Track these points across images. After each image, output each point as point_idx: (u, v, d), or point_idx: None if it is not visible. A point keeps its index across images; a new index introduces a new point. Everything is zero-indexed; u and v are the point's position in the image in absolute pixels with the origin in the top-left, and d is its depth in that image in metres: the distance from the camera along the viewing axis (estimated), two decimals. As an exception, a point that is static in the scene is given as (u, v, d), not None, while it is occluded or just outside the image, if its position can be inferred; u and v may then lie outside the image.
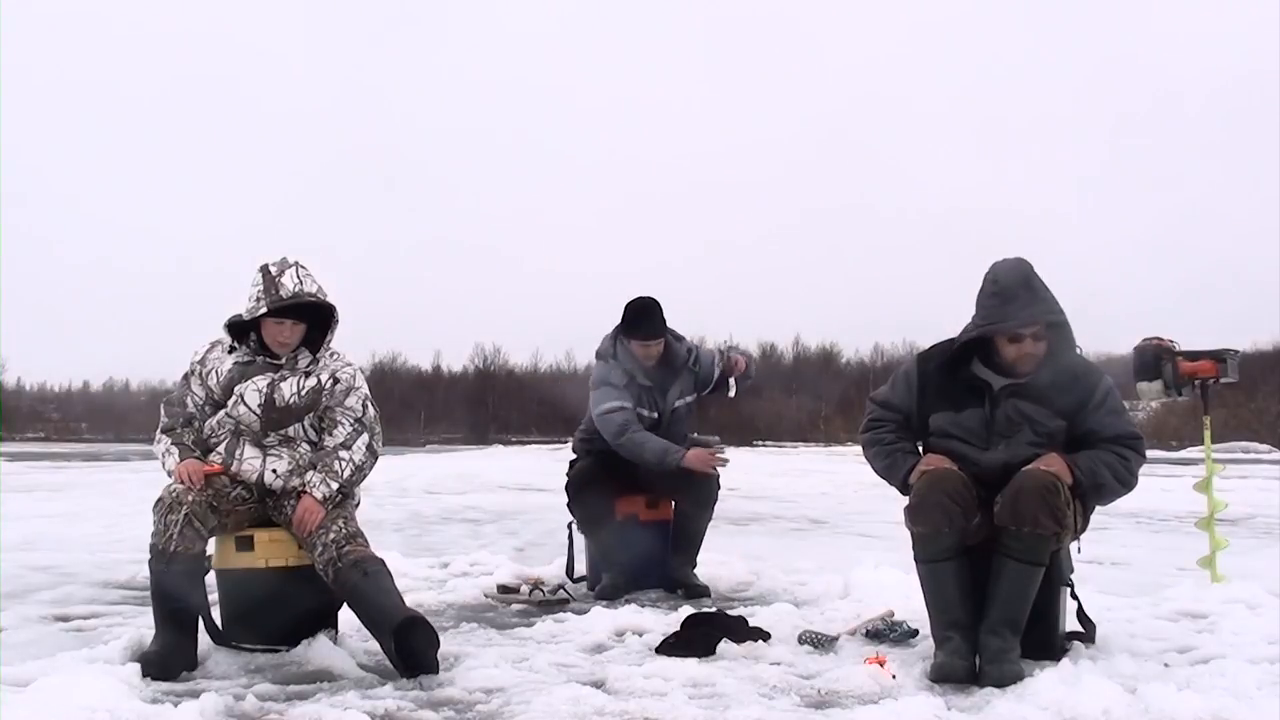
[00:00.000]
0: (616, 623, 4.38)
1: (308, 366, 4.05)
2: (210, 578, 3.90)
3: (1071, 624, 3.99)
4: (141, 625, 4.09)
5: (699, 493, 5.33)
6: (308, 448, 4.03)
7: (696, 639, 3.96)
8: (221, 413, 4.01)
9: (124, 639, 3.86)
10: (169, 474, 3.90)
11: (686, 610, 4.45)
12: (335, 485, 3.94)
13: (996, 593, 3.62)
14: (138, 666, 3.52)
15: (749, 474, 13.54)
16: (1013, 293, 3.69)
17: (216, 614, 3.92)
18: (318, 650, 3.78)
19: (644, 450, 5.22)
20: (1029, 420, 3.76)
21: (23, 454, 28.78)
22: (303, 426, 4.03)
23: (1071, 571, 3.94)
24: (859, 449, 4.08)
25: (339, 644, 3.88)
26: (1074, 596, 3.97)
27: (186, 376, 4.09)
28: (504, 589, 5.34)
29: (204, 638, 3.81)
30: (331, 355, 4.10)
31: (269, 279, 3.92)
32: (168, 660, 3.60)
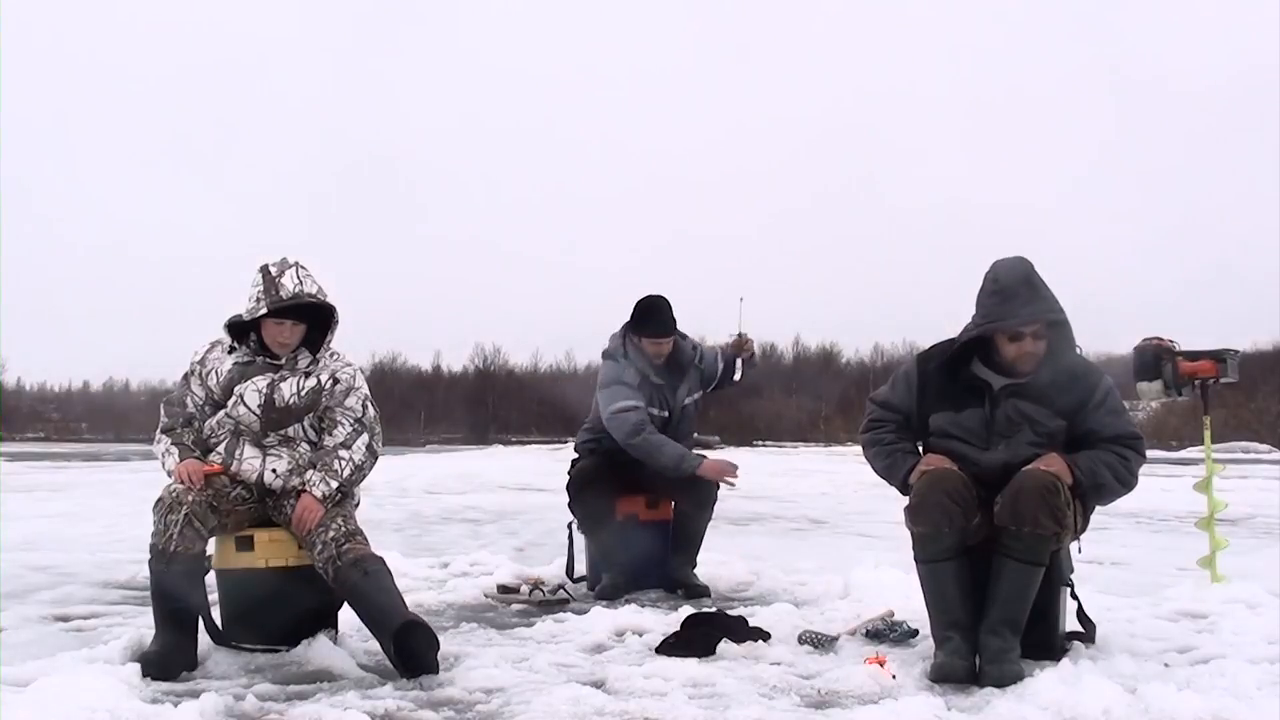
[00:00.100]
0: (616, 623, 4.38)
1: (308, 367, 4.05)
2: (210, 578, 3.90)
3: (1071, 624, 3.99)
4: (141, 625, 4.09)
5: (699, 493, 5.33)
6: (307, 448, 4.04)
7: (696, 639, 3.96)
8: (221, 413, 4.01)
9: (124, 639, 3.86)
10: (169, 474, 3.90)
11: (686, 610, 4.45)
12: (335, 484, 3.94)
13: (996, 593, 3.62)
14: (138, 666, 3.52)
15: (749, 474, 13.51)
16: (1013, 291, 3.69)
17: (216, 614, 3.92)
18: (318, 650, 3.78)
19: (660, 453, 5.21)
20: (1029, 420, 3.76)
21: (23, 454, 28.79)
22: (303, 427, 4.03)
23: (1071, 571, 3.94)
24: (859, 449, 4.08)
25: (339, 644, 3.88)
26: (1074, 596, 3.97)
27: (186, 376, 4.09)
28: (504, 589, 5.34)
29: (204, 638, 3.81)
30: (331, 355, 4.10)
31: (269, 279, 3.92)
32: (168, 660, 3.60)
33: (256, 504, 3.97)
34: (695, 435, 5.67)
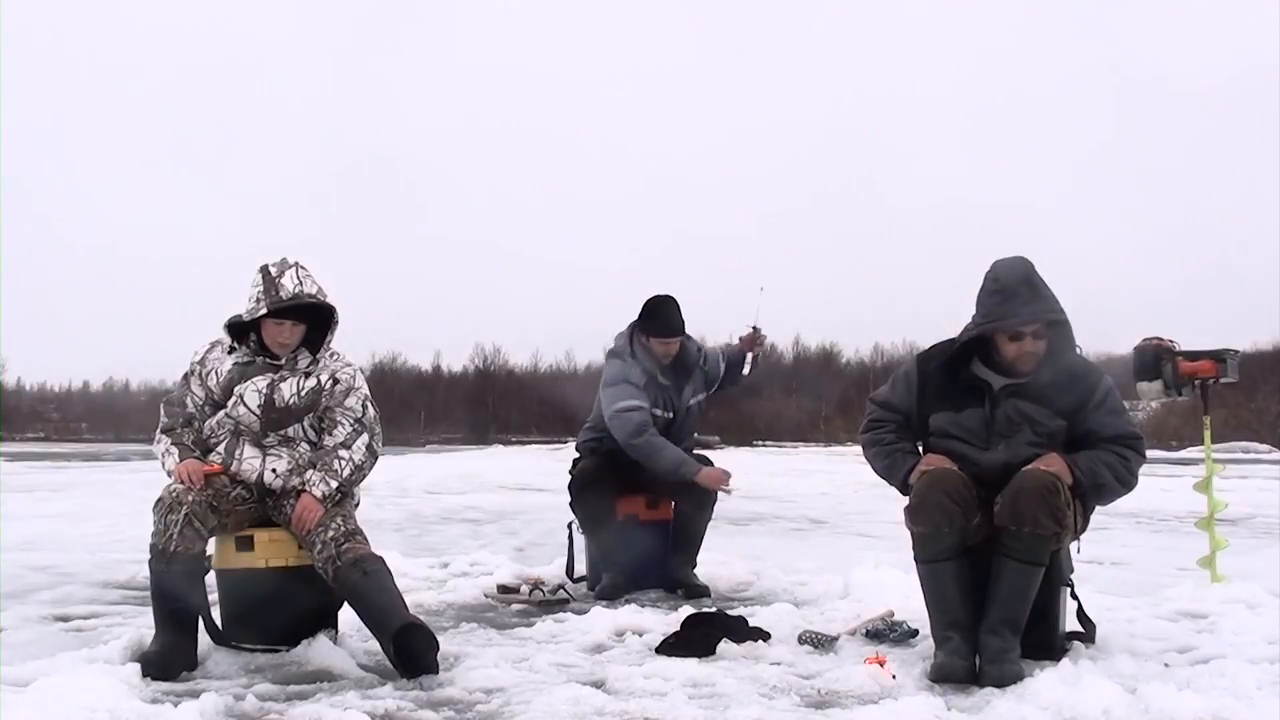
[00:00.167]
0: (616, 623, 4.38)
1: (307, 367, 4.05)
2: (210, 578, 3.90)
3: (1071, 624, 3.99)
4: (141, 625, 4.09)
5: (699, 493, 5.33)
6: (307, 448, 4.04)
7: (696, 639, 3.96)
8: (221, 413, 4.01)
9: (124, 639, 3.86)
10: (169, 474, 3.90)
11: (686, 610, 4.45)
12: (334, 484, 3.94)
13: (996, 593, 3.62)
14: (138, 666, 3.52)
15: (749, 474, 13.53)
16: (1013, 290, 3.69)
17: (216, 614, 3.92)
18: (318, 650, 3.78)
19: (660, 456, 5.21)
20: (1029, 420, 3.76)
21: (23, 454, 28.79)
22: (302, 427, 4.03)
23: (1071, 571, 3.94)
24: (859, 449, 4.08)
25: (339, 644, 3.88)
26: (1074, 596, 3.97)
27: (186, 377, 4.09)
28: (504, 589, 5.34)
29: (204, 638, 3.81)
30: (331, 355, 4.10)
31: (269, 280, 3.92)
32: (168, 660, 3.61)
33: (256, 504, 3.97)
34: (695, 435, 5.67)
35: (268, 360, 4.04)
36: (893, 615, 4.27)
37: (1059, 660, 3.65)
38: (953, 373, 3.85)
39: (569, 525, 5.61)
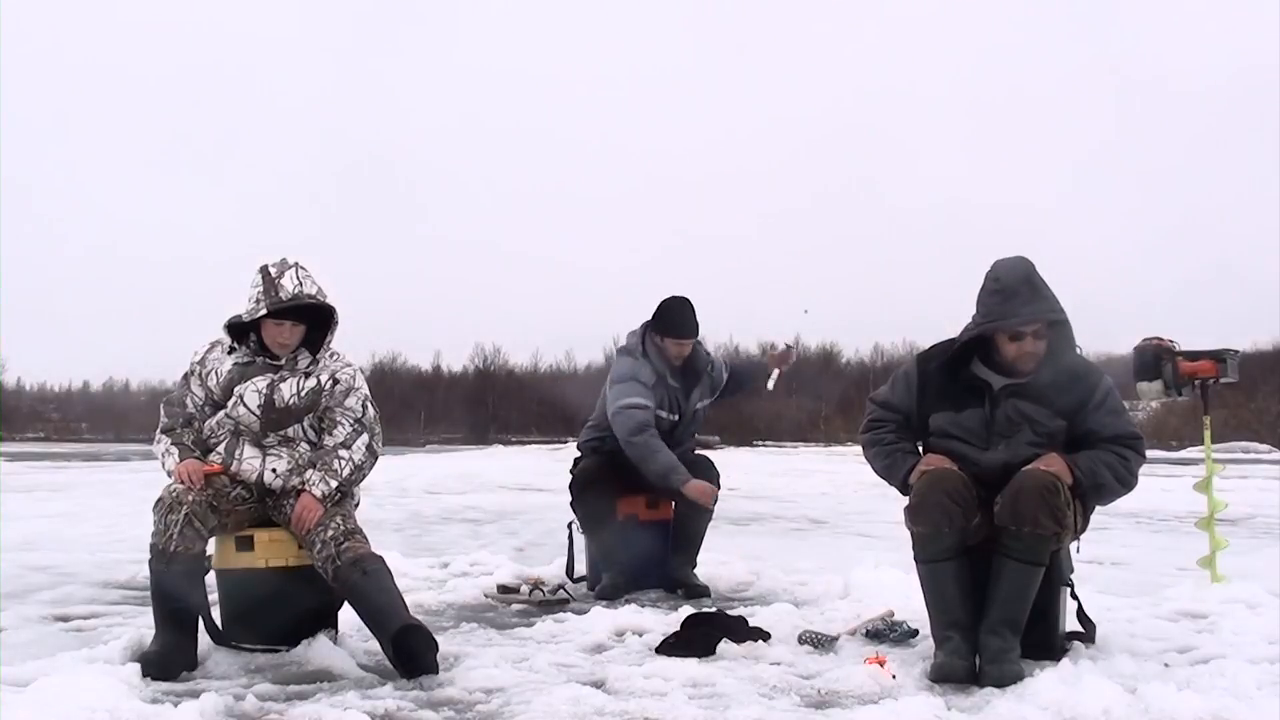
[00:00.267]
0: (616, 623, 4.38)
1: (307, 367, 4.05)
2: (210, 578, 3.90)
3: (1071, 624, 3.99)
4: (141, 625, 4.09)
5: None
6: (307, 448, 4.04)
7: (696, 639, 3.96)
8: (221, 413, 4.01)
9: (124, 639, 3.86)
10: (169, 474, 3.90)
11: (686, 610, 4.45)
12: (334, 483, 3.94)
13: (996, 593, 3.62)
14: (138, 666, 3.52)
15: (749, 474, 13.55)
16: (1014, 290, 3.70)
17: (216, 614, 3.92)
18: (318, 650, 3.78)
19: (654, 458, 5.21)
20: (1029, 420, 3.76)
21: (23, 454, 28.77)
22: (302, 427, 4.03)
23: (1071, 571, 3.95)
24: (859, 449, 4.08)
25: (339, 644, 3.88)
26: (1074, 596, 3.97)
27: (186, 377, 4.09)
28: (504, 589, 5.34)
29: (204, 638, 3.81)
30: (331, 356, 4.10)
31: (269, 280, 3.92)
32: (168, 660, 3.61)
33: (256, 504, 3.97)
34: (697, 436, 5.68)
35: (268, 360, 4.04)
36: (893, 615, 4.27)
37: (1059, 660, 3.65)
38: (953, 373, 3.85)
39: (569, 525, 5.61)
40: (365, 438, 4.07)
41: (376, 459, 4.14)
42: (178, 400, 4.08)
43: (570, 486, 5.51)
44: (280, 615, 3.88)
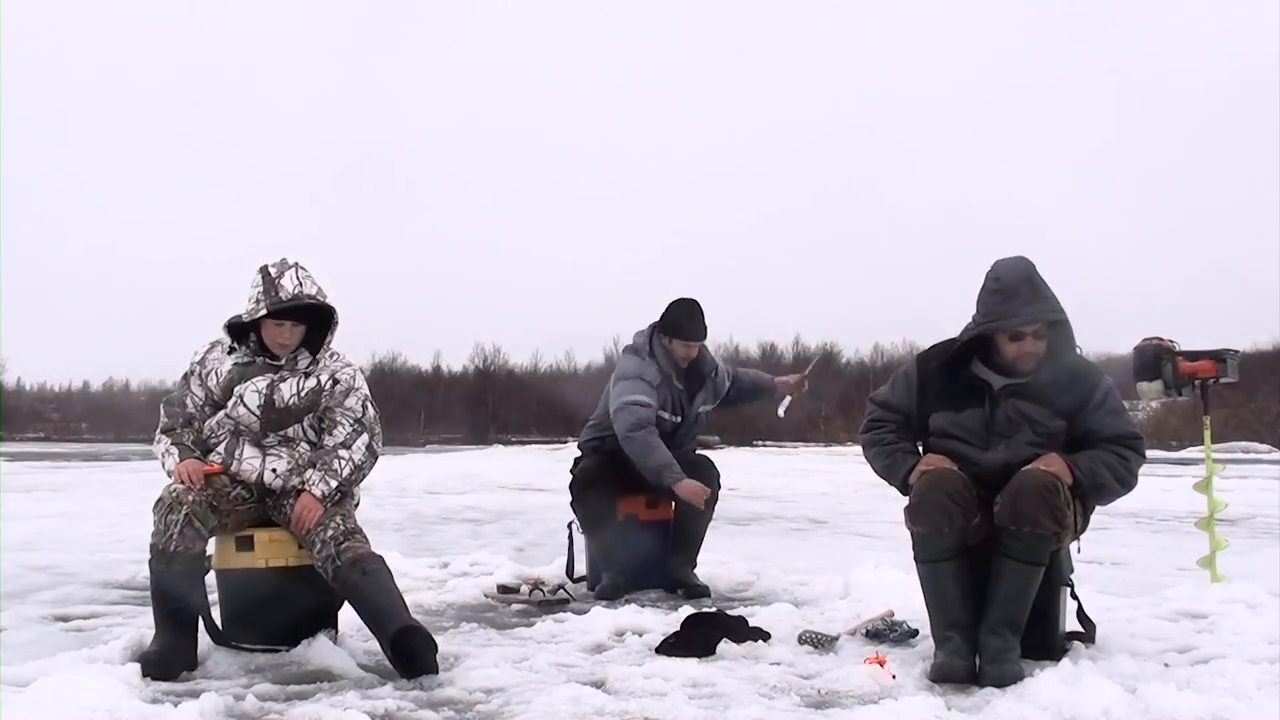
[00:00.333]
0: (616, 623, 4.38)
1: (307, 367, 4.05)
2: (210, 578, 3.90)
3: (1071, 624, 3.99)
4: (141, 625, 4.09)
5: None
6: (307, 448, 4.04)
7: (696, 639, 3.96)
8: (221, 413, 4.01)
9: (124, 639, 3.86)
10: (169, 474, 3.90)
11: (686, 610, 4.45)
12: (334, 483, 3.94)
13: (996, 593, 3.62)
14: (138, 666, 3.52)
15: (749, 474, 13.54)
16: (1014, 290, 3.70)
17: (216, 614, 3.92)
18: (318, 650, 3.78)
19: (650, 455, 5.21)
20: (1029, 420, 3.76)
21: (23, 454, 28.77)
22: (302, 427, 4.03)
23: (1071, 571, 3.95)
24: (859, 449, 4.08)
25: (339, 644, 3.88)
26: (1074, 596, 3.97)
27: (186, 377, 4.09)
28: (504, 589, 5.34)
29: (204, 638, 3.81)
30: (331, 356, 4.10)
31: (268, 280, 3.92)
32: (168, 660, 3.61)
33: (256, 504, 3.97)
34: (698, 438, 5.69)
35: (268, 360, 4.04)
36: (893, 615, 4.27)
37: (1059, 660, 3.65)
38: (953, 373, 3.85)
39: (569, 525, 5.61)
40: (365, 438, 4.07)
41: (376, 459, 4.14)
42: (178, 400, 4.08)
43: (570, 486, 5.51)
44: (280, 615, 3.88)
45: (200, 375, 4.07)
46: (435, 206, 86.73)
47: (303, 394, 4.00)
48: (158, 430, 4.05)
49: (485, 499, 12.16)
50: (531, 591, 5.20)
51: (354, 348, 4.37)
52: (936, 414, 3.85)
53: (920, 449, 3.94)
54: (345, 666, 3.69)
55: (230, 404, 3.98)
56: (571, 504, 5.50)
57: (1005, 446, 3.76)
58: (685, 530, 5.41)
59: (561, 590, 5.29)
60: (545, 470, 16.75)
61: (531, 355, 60.79)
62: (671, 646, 3.93)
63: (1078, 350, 3.87)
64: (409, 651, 3.58)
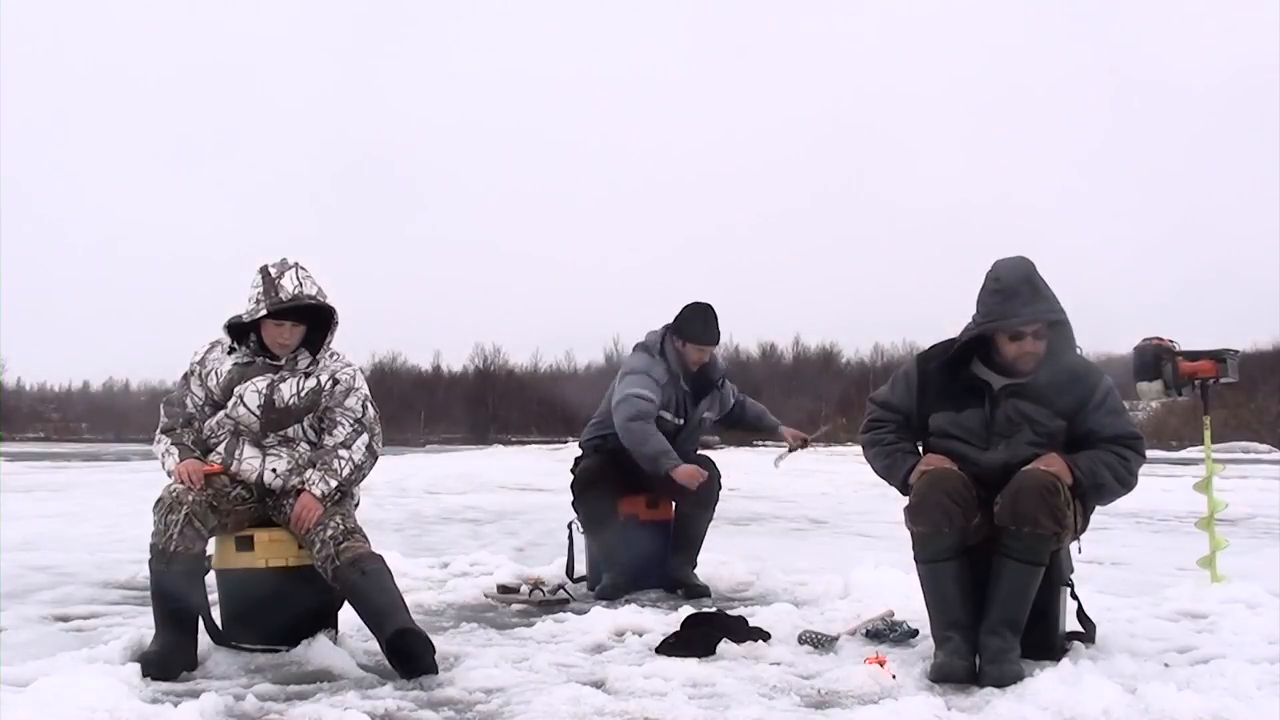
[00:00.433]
0: (616, 623, 4.38)
1: (307, 367, 4.05)
2: (210, 578, 3.90)
3: (1071, 624, 3.99)
4: (141, 625, 4.09)
5: (700, 493, 5.33)
6: (307, 448, 4.04)
7: (696, 639, 3.96)
8: (221, 413, 4.01)
9: (124, 639, 3.86)
10: (169, 474, 3.90)
11: (686, 610, 4.45)
12: (334, 483, 3.94)
13: (996, 593, 3.62)
14: (138, 666, 3.52)
15: (749, 474, 13.50)
16: (1014, 290, 3.70)
17: (216, 614, 3.92)
18: (318, 650, 3.78)
19: (648, 442, 5.21)
20: (1029, 420, 3.76)
21: (23, 454, 28.76)
22: (302, 427, 4.03)
23: (1071, 571, 3.95)
24: (859, 449, 4.08)
25: (339, 644, 3.88)
26: (1074, 596, 3.97)
27: (186, 377, 4.09)
28: (504, 589, 5.34)
29: (204, 638, 3.81)
30: (331, 356, 4.10)
31: (269, 281, 3.92)
32: (168, 660, 3.61)
33: (256, 504, 3.97)
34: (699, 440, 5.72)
35: (267, 361, 4.04)
36: (893, 615, 4.27)
37: (1059, 660, 3.65)
38: (953, 373, 3.85)
39: (569, 525, 5.61)
40: (365, 438, 4.07)
41: (376, 459, 4.14)
42: (178, 400, 4.08)
43: (572, 486, 5.51)
44: (280, 615, 3.88)
45: (200, 375, 4.07)
46: (435, 206, 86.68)
47: (303, 394, 4.00)
48: (158, 430, 4.05)
49: (485, 499, 12.16)
50: (531, 591, 5.20)
51: (354, 348, 4.37)
52: (936, 414, 3.85)
53: (920, 449, 3.94)
54: (345, 666, 3.69)
55: (230, 404, 3.98)
56: (573, 503, 5.50)
57: (1005, 446, 3.76)
58: (685, 530, 5.41)
59: (561, 590, 5.29)
60: (545, 470, 16.75)
61: (531, 355, 60.76)
62: (671, 646, 3.93)
63: (1078, 350, 3.87)
64: (406, 653, 3.58)
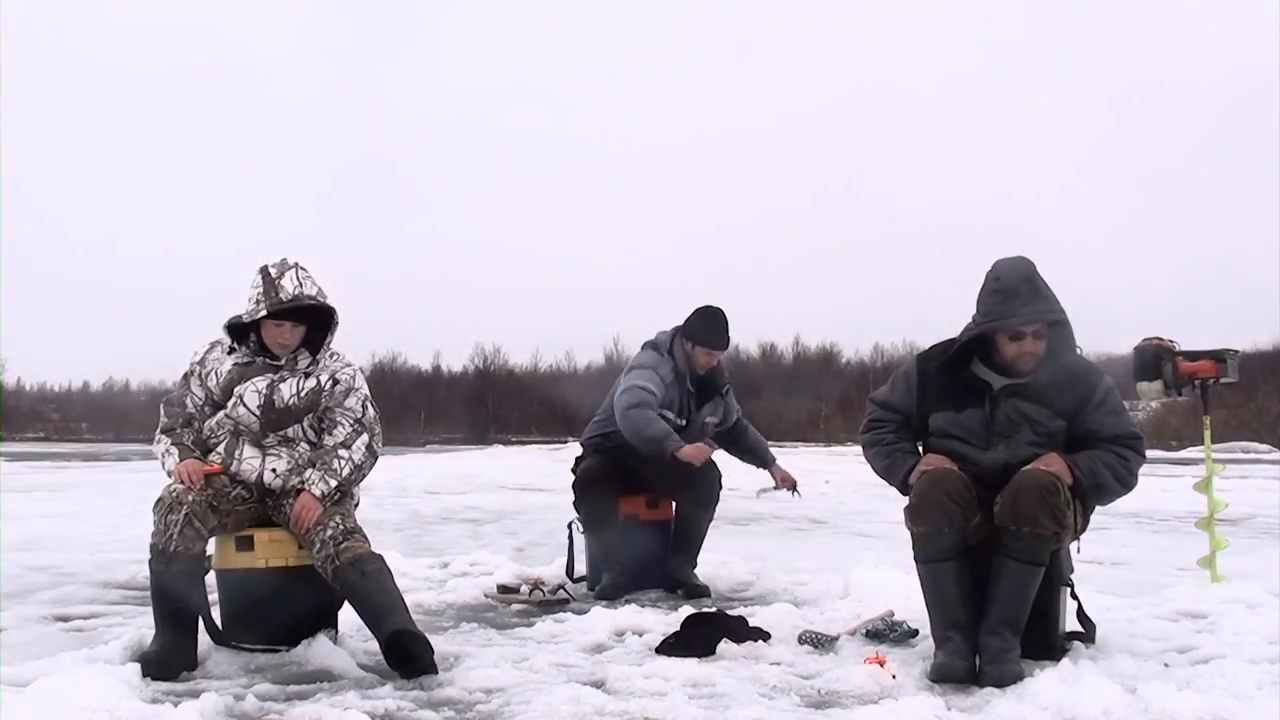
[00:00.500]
0: (616, 623, 4.38)
1: (307, 367, 4.05)
2: (210, 578, 3.90)
3: (1071, 624, 3.99)
4: (141, 625, 4.09)
5: (701, 493, 5.34)
6: (307, 448, 4.04)
7: (696, 639, 3.96)
8: (221, 414, 4.01)
9: (124, 639, 3.86)
10: (169, 474, 3.90)
11: (686, 610, 4.45)
12: (334, 483, 3.94)
13: (996, 593, 3.62)
14: (138, 666, 3.52)
15: (749, 474, 13.52)
16: (1014, 290, 3.70)
17: (216, 614, 3.92)
18: (318, 650, 3.78)
19: (648, 427, 5.20)
20: (1029, 420, 3.76)
21: (23, 454, 28.75)
22: (302, 427, 4.03)
23: (1071, 571, 3.95)
24: (859, 449, 4.08)
25: (339, 644, 3.88)
26: (1074, 596, 3.97)
27: (186, 377, 4.09)
28: (504, 589, 5.34)
29: (204, 638, 3.81)
30: (331, 356, 4.10)
31: (269, 281, 3.92)
32: (168, 660, 3.61)
33: (256, 504, 3.97)
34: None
35: (267, 361, 4.04)
36: (893, 615, 4.27)
37: (1059, 660, 3.65)
38: (953, 373, 3.85)
39: (569, 525, 5.61)
40: (365, 438, 4.07)
41: (376, 459, 4.14)
42: (178, 400, 4.08)
43: (574, 485, 5.51)
44: (280, 615, 3.88)
45: (200, 375, 4.07)
46: (435, 206, 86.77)
47: (302, 394, 4.00)
48: (158, 430, 4.05)
49: (485, 499, 12.16)
50: (531, 591, 5.20)
51: (354, 348, 4.37)
52: (936, 414, 3.85)
53: (920, 449, 3.94)
54: (345, 666, 3.69)
55: (230, 404, 3.98)
56: (574, 503, 5.50)
57: (1005, 446, 3.76)
58: (686, 530, 5.41)
59: (561, 590, 5.29)
60: (545, 470, 16.75)
61: (531, 355, 60.84)
62: (671, 646, 3.93)
63: (1078, 350, 3.87)
64: (403, 654, 3.58)
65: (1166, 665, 3.70)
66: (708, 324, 5.41)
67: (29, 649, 3.95)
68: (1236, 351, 5.28)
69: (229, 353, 4.08)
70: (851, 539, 8.13)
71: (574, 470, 5.59)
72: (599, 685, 3.45)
